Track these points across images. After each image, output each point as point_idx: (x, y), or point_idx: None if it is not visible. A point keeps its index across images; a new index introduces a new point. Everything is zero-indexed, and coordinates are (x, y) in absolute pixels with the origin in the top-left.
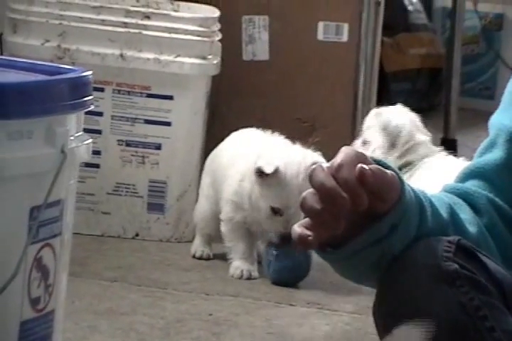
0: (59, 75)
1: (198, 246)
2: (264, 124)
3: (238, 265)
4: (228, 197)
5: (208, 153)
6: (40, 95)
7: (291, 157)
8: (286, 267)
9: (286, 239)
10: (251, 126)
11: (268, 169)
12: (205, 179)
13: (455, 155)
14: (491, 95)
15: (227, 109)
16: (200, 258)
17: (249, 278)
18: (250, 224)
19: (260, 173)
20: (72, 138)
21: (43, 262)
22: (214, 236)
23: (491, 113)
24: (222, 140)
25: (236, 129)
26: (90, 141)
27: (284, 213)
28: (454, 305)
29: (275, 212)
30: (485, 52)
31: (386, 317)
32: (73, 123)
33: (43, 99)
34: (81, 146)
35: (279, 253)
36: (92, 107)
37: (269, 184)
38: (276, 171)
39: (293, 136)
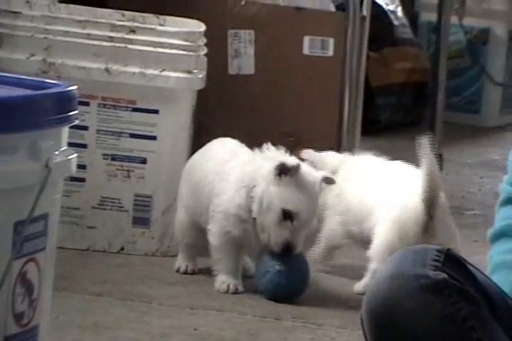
0: (44, 90)
1: (181, 261)
2: (249, 138)
3: (224, 279)
4: (228, 212)
5: None
6: (24, 110)
7: (305, 166)
8: (286, 284)
9: (289, 249)
10: (237, 140)
11: (292, 163)
12: (184, 189)
13: (441, 170)
14: (477, 109)
15: (213, 123)
16: (185, 273)
17: (236, 292)
18: (247, 237)
19: (280, 170)
20: (56, 152)
21: (27, 277)
22: (196, 248)
23: (476, 127)
24: None
25: None
26: (75, 155)
27: (295, 219)
28: (442, 315)
29: (286, 216)
30: (470, 66)
31: (374, 326)
32: (58, 137)
33: (28, 113)
34: (66, 161)
35: (282, 269)
36: (77, 122)
37: (286, 184)
38: (297, 168)
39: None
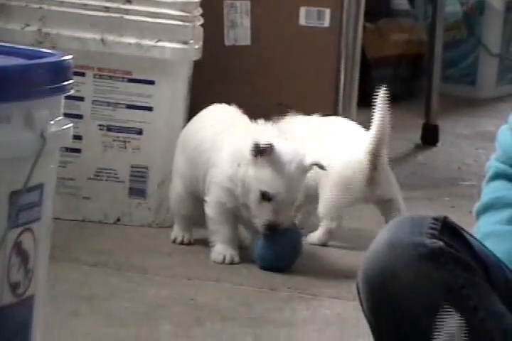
0: (39, 59)
1: (177, 232)
2: (246, 109)
3: (221, 250)
4: (221, 184)
5: None
6: (19, 79)
7: (287, 144)
8: (273, 253)
9: (271, 229)
10: None
11: (264, 144)
12: (180, 158)
13: (437, 141)
14: (473, 81)
15: (209, 94)
16: (181, 243)
17: (232, 262)
18: (241, 210)
19: (256, 151)
20: (52, 122)
21: (22, 247)
22: (192, 219)
23: (472, 98)
24: None
25: None
26: (71, 125)
27: (273, 200)
28: (438, 283)
29: (264, 197)
30: (466, 38)
31: (370, 295)
32: (53, 107)
33: (22, 83)
34: (61, 131)
35: (267, 239)
36: (72, 92)
37: (263, 165)
38: (271, 149)
39: (275, 120)
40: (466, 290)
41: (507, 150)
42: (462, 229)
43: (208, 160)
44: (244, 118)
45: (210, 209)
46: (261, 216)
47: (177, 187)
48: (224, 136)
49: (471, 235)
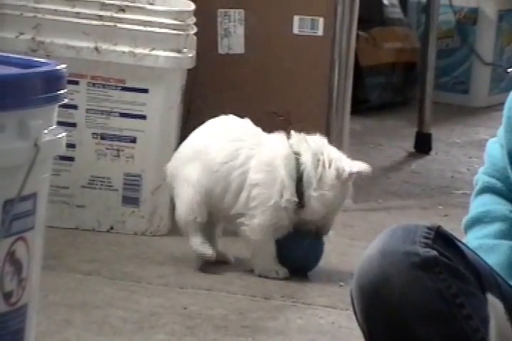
0: (33, 68)
1: (202, 246)
2: (239, 118)
3: (271, 267)
4: (279, 205)
5: None
6: (13, 88)
7: (346, 158)
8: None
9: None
10: None
11: (365, 169)
12: (194, 167)
13: (429, 149)
14: (466, 89)
15: (202, 103)
16: (208, 258)
17: (285, 277)
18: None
19: (351, 176)
20: (45, 131)
21: (16, 256)
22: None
23: (465, 107)
24: None
25: None
26: (64, 134)
27: None
28: (431, 292)
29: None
30: (459, 46)
31: (363, 303)
32: (47, 116)
33: (16, 92)
34: (55, 139)
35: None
36: (66, 100)
37: (347, 186)
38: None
39: (268, 129)
40: (459, 298)
41: (495, 164)
42: (455, 238)
43: (243, 176)
44: (265, 134)
45: (256, 233)
46: (332, 223)
47: (191, 194)
48: (265, 155)
49: (464, 244)
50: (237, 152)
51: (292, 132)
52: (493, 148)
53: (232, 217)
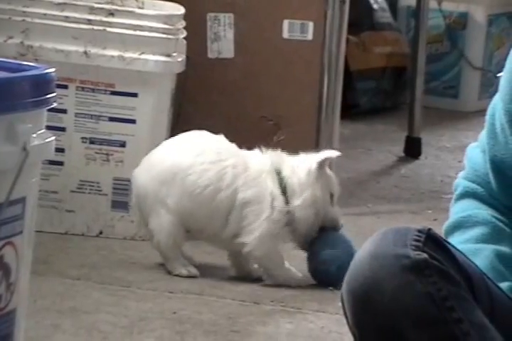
0: (21, 72)
1: (180, 267)
2: (229, 122)
3: (292, 273)
4: (274, 218)
5: None
6: (1, 92)
7: (312, 157)
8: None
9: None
10: (216, 124)
11: (332, 154)
12: (172, 190)
13: (419, 154)
14: (455, 94)
15: (192, 107)
16: (189, 276)
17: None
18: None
19: (321, 166)
20: (34, 135)
21: (4, 260)
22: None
23: (454, 111)
24: None
25: (200, 127)
26: (53, 138)
27: (333, 196)
28: (422, 295)
29: (331, 198)
30: (449, 51)
31: (354, 306)
32: (36, 120)
33: (5, 96)
34: (44, 144)
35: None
36: (54, 105)
37: (325, 172)
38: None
39: (258, 134)
40: (450, 302)
41: (476, 169)
42: (446, 241)
43: (233, 196)
44: (237, 148)
45: (259, 247)
46: (338, 216)
47: (168, 220)
48: (253, 171)
49: (454, 247)
50: (220, 173)
51: (263, 149)
52: (474, 152)
53: (225, 239)
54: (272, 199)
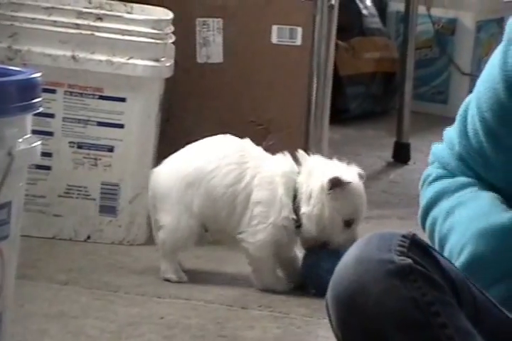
0: (7, 77)
1: (172, 272)
2: (218, 127)
3: (281, 280)
4: (277, 223)
5: (162, 156)
6: None
7: (343, 168)
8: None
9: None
10: (205, 129)
11: (347, 178)
12: (196, 192)
13: (408, 159)
14: (444, 99)
15: (181, 112)
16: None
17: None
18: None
19: (335, 186)
20: (20, 140)
21: None
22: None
23: (444, 117)
24: (177, 142)
25: (189, 132)
26: (39, 142)
27: (354, 223)
28: (407, 300)
29: (347, 224)
30: (438, 56)
31: (339, 311)
32: (22, 125)
33: None
34: (30, 148)
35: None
36: (41, 109)
37: (344, 196)
38: (348, 182)
39: (247, 138)
40: (435, 307)
41: (445, 165)
42: (430, 246)
43: (247, 197)
44: (262, 151)
45: (259, 250)
46: (346, 242)
47: (186, 223)
48: (267, 173)
49: (439, 253)
50: (241, 175)
51: (300, 152)
52: (439, 148)
53: (235, 236)
54: (281, 206)
